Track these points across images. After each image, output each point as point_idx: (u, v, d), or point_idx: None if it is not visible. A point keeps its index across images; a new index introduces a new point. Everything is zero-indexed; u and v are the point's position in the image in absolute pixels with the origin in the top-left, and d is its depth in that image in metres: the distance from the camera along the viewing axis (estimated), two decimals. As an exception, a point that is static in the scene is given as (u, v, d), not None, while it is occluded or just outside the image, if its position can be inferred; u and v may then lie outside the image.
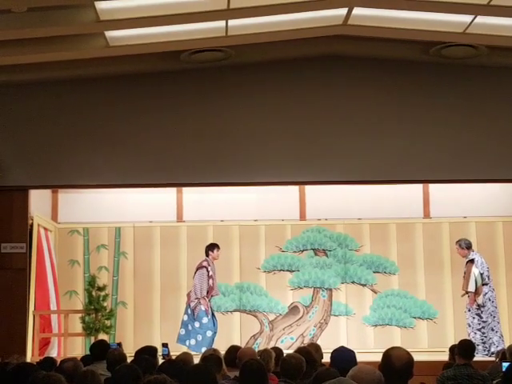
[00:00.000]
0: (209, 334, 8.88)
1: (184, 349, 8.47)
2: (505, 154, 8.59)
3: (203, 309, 8.94)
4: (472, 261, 8.88)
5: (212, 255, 9.15)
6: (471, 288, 8.76)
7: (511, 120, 8.63)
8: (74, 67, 8.01)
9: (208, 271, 9.05)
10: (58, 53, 7.40)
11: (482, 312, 8.77)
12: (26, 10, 6.45)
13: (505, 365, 4.73)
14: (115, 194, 10.10)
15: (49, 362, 5.43)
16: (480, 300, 8.74)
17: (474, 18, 7.25)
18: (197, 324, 8.99)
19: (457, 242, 9.11)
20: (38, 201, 9.32)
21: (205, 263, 9.11)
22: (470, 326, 8.76)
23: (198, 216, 10.25)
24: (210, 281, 9.02)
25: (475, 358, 7.50)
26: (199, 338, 8.93)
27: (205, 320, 8.94)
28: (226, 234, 10.14)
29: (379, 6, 7.13)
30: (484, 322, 8.75)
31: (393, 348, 3.67)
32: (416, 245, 10.19)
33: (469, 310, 8.81)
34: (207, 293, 8.98)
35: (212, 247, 9.20)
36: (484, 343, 8.68)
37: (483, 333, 8.72)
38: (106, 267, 10.05)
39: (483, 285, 8.81)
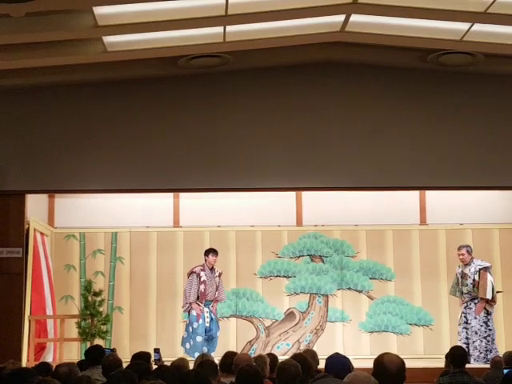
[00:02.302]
0: (198, 339, 8.95)
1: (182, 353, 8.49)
2: (502, 162, 8.60)
3: (194, 314, 9.04)
4: (486, 268, 8.94)
5: (208, 260, 9.20)
6: (489, 295, 8.80)
7: (508, 128, 8.65)
8: (71, 72, 8.02)
9: (199, 277, 9.11)
10: (55, 57, 7.40)
11: (488, 320, 8.83)
12: (24, 14, 6.45)
13: (505, 371, 4.76)
14: (112, 199, 10.10)
15: (44, 367, 5.42)
16: (493, 308, 8.89)
17: (471, 26, 7.28)
18: (190, 329, 9.08)
19: (464, 246, 9.08)
20: (35, 205, 9.32)
21: (196, 269, 9.18)
22: (476, 333, 8.76)
23: (194, 221, 10.25)
24: (202, 286, 9.08)
25: (473, 366, 7.54)
26: (191, 342, 9.03)
27: (195, 325, 9.03)
28: (223, 239, 10.13)
29: (377, 13, 7.14)
30: (490, 330, 8.80)
31: (383, 354, 3.69)
32: (412, 251, 10.20)
33: (475, 318, 8.82)
34: (198, 298, 9.05)
35: (207, 252, 9.25)
36: (486, 351, 8.70)
37: (488, 341, 8.76)
38: (102, 272, 10.04)
39: (497, 292, 8.96)
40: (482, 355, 8.66)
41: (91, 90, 8.55)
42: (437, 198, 10.23)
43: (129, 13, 6.76)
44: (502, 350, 8.78)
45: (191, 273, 9.22)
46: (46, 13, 6.58)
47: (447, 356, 5.73)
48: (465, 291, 8.97)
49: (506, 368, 5.09)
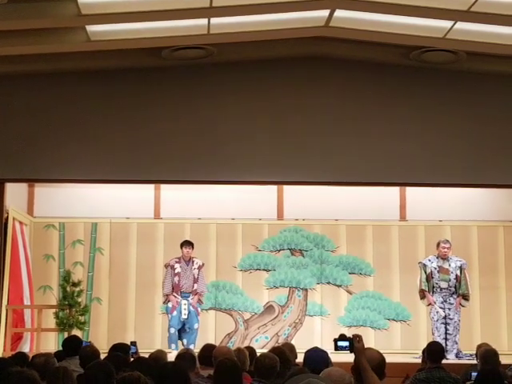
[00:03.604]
0: (171, 331, 9.11)
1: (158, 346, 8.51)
2: (483, 159, 8.65)
3: (170, 306, 9.18)
4: (465, 264, 9.12)
5: (182, 252, 9.29)
6: (471, 291, 9.08)
7: (490, 125, 8.70)
8: (53, 61, 7.94)
9: (174, 269, 9.21)
10: (37, 46, 7.33)
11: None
12: (6, 1, 6.39)
13: (474, 374, 4.84)
14: (92, 189, 10.05)
15: (21, 357, 5.38)
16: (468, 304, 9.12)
17: (454, 24, 7.32)
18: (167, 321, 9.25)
19: (446, 241, 9.16)
20: (14, 194, 9.24)
21: (171, 261, 9.31)
22: (456, 328, 8.89)
23: (175, 213, 10.23)
24: (176, 278, 9.18)
25: (453, 361, 7.60)
26: (168, 334, 9.18)
27: (169, 317, 9.19)
28: (203, 231, 10.13)
29: (361, 9, 7.16)
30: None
31: (365, 349, 3.73)
32: (392, 247, 10.26)
33: (456, 313, 8.94)
34: (173, 290, 9.16)
35: (181, 244, 9.35)
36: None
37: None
38: (81, 263, 10.00)
39: None
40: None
41: (73, 79, 8.47)
42: (417, 195, 10.29)
43: (113, 2, 6.71)
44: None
45: (166, 266, 9.38)
46: (29, 0, 6.52)
47: (424, 351, 5.79)
48: (444, 286, 9.01)
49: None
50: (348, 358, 4.05)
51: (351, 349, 3.76)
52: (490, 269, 10.23)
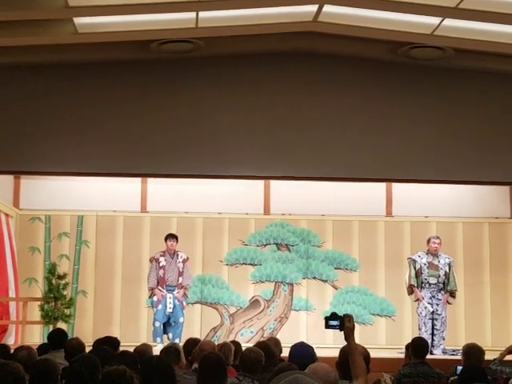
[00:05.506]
0: (156, 324, 9.13)
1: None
2: (470, 156, 8.68)
3: (155, 299, 9.21)
4: (452, 262, 9.21)
5: (166, 245, 9.31)
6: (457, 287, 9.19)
7: (477, 122, 8.73)
8: (40, 53, 7.88)
9: (158, 262, 9.24)
10: (24, 37, 7.28)
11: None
12: (-7, -8, 6.34)
13: (459, 368, 4.88)
14: (79, 181, 10.02)
15: (2, 349, 5.36)
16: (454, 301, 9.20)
17: (442, 21, 7.34)
18: (153, 314, 9.28)
19: (437, 237, 9.19)
20: (0, 186, 9.19)
21: (156, 255, 9.35)
22: (444, 323, 8.97)
23: (162, 207, 10.22)
24: (161, 271, 9.21)
25: (439, 357, 7.63)
26: (152, 328, 9.19)
27: (154, 310, 9.22)
28: (190, 225, 10.13)
29: (350, 5, 7.16)
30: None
31: None
32: (378, 242, 10.30)
33: (444, 309, 9.03)
34: (158, 283, 9.19)
35: (166, 238, 9.35)
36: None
37: None
38: (67, 255, 9.97)
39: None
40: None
41: (60, 71, 8.41)
42: (403, 191, 10.33)
43: (100, -6, 6.67)
44: (461, 341, 8.96)
45: (151, 259, 9.40)
46: (16, -9, 6.48)
47: (408, 347, 5.81)
48: (433, 282, 9.04)
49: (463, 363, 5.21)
50: (333, 352, 4.07)
51: (341, 328, 3.80)
52: (475, 265, 10.29)
